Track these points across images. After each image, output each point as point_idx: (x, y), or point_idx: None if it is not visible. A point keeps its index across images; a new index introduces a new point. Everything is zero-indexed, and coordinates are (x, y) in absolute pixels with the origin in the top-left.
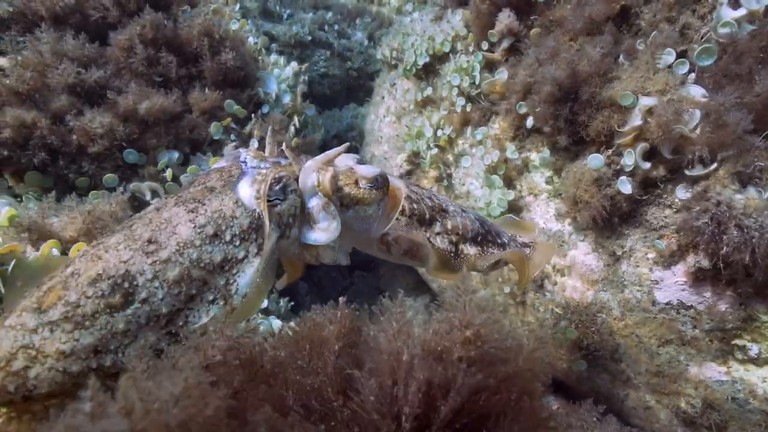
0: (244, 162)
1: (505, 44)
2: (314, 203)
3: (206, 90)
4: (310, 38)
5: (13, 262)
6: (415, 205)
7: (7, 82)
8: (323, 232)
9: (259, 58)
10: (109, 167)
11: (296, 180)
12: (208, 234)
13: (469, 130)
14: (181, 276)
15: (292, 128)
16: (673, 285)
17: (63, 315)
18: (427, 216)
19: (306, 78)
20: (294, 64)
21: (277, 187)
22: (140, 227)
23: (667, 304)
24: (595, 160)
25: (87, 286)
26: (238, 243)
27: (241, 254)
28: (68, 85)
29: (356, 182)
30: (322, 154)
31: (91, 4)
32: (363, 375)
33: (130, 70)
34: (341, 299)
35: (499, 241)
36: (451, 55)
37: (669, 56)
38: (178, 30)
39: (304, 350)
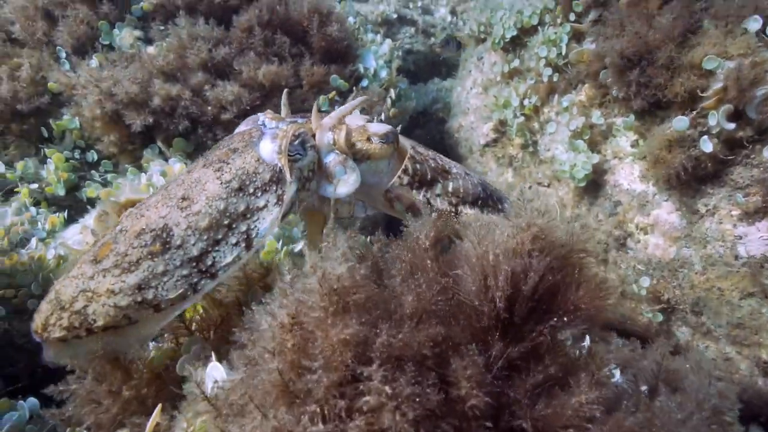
0: (263, 124)
1: (592, 15)
2: (331, 158)
3: (314, 66)
4: (395, 16)
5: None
6: (417, 165)
7: (157, 63)
8: (343, 184)
9: (359, 37)
10: None
11: (313, 136)
12: (234, 188)
13: (555, 98)
14: (210, 225)
15: (388, 100)
16: (757, 240)
17: (114, 263)
18: (429, 177)
19: (400, 53)
20: (389, 41)
21: (297, 142)
22: (174, 187)
23: (750, 257)
24: (680, 123)
25: (133, 239)
26: (259, 194)
27: (262, 203)
28: (202, 62)
29: (368, 138)
30: (336, 111)
31: None
32: (463, 272)
33: (250, 49)
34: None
35: (499, 206)
36: (539, 27)
37: (755, 23)
38: (289, 12)
39: (404, 259)
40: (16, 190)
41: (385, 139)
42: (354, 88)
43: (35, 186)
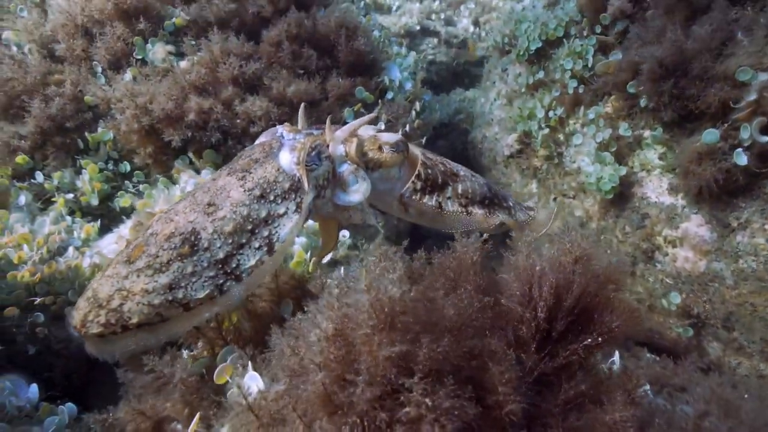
0: (282, 136)
1: (619, 27)
2: (344, 168)
3: (340, 79)
4: (418, 27)
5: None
6: (429, 171)
7: (188, 77)
8: (355, 193)
9: (383, 49)
10: None
11: (328, 147)
12: (256, 195)
13: (581, 110)
14: (234, 229)
15: (413, 112)
16: None
17: (146, 264)
18: (440, 180)
19: (423, 65)
20: (414, 54)
21: (314, 153)
22: (201, 194)
23: None
24: (710, 135)
25: (163, 242)
26: (279, 201)
27: (282, 210)
28: (233, 76)
29: (380, 147)
30: (349, 125)
31: (249, 5)
32: (509, 279)
33: (279, 63)
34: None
35: (504, 204)
36: (564, 39)
37: None
38: (317, 26)
39: (448, 275)
40: (53, 199)
41: (396, 147)
42: (379, 100)
43: (71, 196)
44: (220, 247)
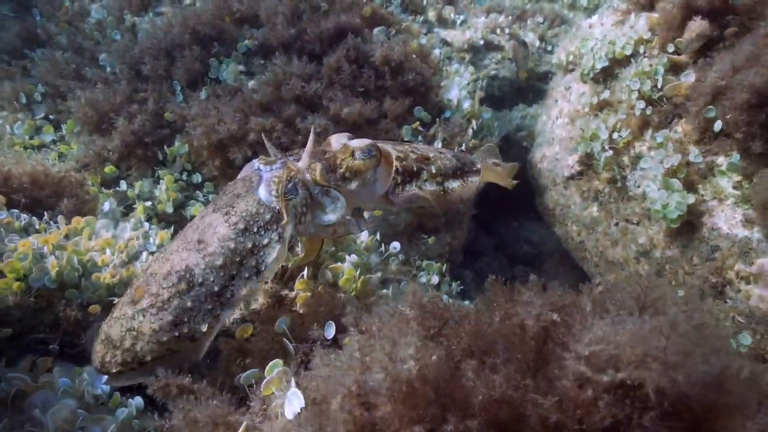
0: (259, 169)
1: (694, 46)
2: (317, 191)
3: (398, 99)
4: (482, 42)
5: None
6: (404, 162)
7: (256, 96)
8: (332, 212)
9: (443, 68)
10: None
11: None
12: (240, 229)
13: (648, 133)
14: (224, 263)
15: (470, 131)
16: None
17: (149, 303)
18: (415, 168)
19: (483, 84)
20: (471, 69)
21: (290, 186)
22: (190, 232)
23: None
24: None
25: (162, 281)
26: (263, 233)
27: (266, 241)
28: (295, 96)
29: (352, 154)
30: (304, 151)
31: (305, 37)
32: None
33: (339, 83)
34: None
35: (474, 168)
36: (632, 59)
37: None
38: (368, 54)
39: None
40: (134, 206)
41: (367, 153)
42: (437, 119)
43: (149, 203)
44: (213, 281)
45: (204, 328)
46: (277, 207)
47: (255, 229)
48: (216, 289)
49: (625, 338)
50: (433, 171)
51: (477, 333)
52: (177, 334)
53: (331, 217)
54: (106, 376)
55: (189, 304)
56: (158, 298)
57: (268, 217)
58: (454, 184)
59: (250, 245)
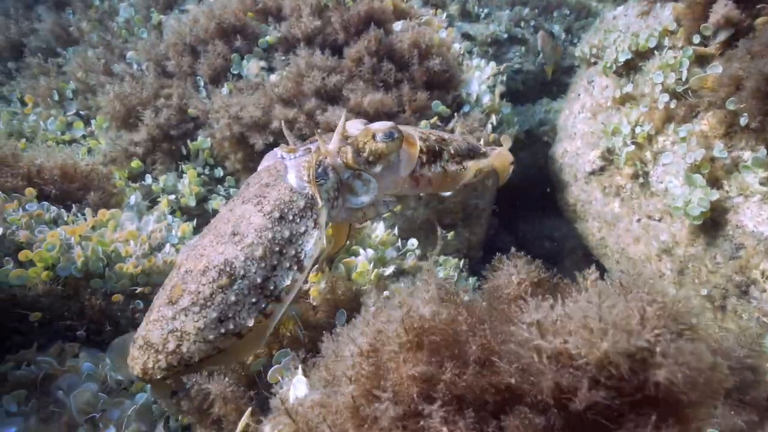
0: (283, 158)
1: (722, 37)
2: (348, 175)
3: (417, 92)
4: (506, 36)
5: None
6: (426, 143)
7: (277, 90)
8: (365, 194)
9: (463, 62)
10: None
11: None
12: (276, 217)
13: (671, 127)
14: (264, 253)
15: (489, 126)
16: None
17: (191, 302)
18: (437, 148)
19: (504, 78)
20: (493, 64)
21: (320, 170)
22: (222, 226)
23: None
24: None
25: (200, 277)
26: (299, 220)
27: (303, 228)
28: (316, 89)
29: (373, 137)
30: (334, 133)
31: (329, 29)
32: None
33: (359, 76)
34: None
35: (481, 151)
36: (656, 51)
37: None
38: (393, 43)
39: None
40: (158, 200)
41: (389, 135)
42: (455, 113)
43: (173, 197)
44: (255, 273)
45: (250, 323)
46: (310, 192)
47: (290, 217)
48: (259, 281)
49: (569, 309)
50: (452, 151)
51: (470, 307)
52: (223, 330)
53: (364, 199)
54: None
55: (233, 298)
56: (200, 296)
57: (302, 203)
58: (469, 164)
59: (287, 234)
